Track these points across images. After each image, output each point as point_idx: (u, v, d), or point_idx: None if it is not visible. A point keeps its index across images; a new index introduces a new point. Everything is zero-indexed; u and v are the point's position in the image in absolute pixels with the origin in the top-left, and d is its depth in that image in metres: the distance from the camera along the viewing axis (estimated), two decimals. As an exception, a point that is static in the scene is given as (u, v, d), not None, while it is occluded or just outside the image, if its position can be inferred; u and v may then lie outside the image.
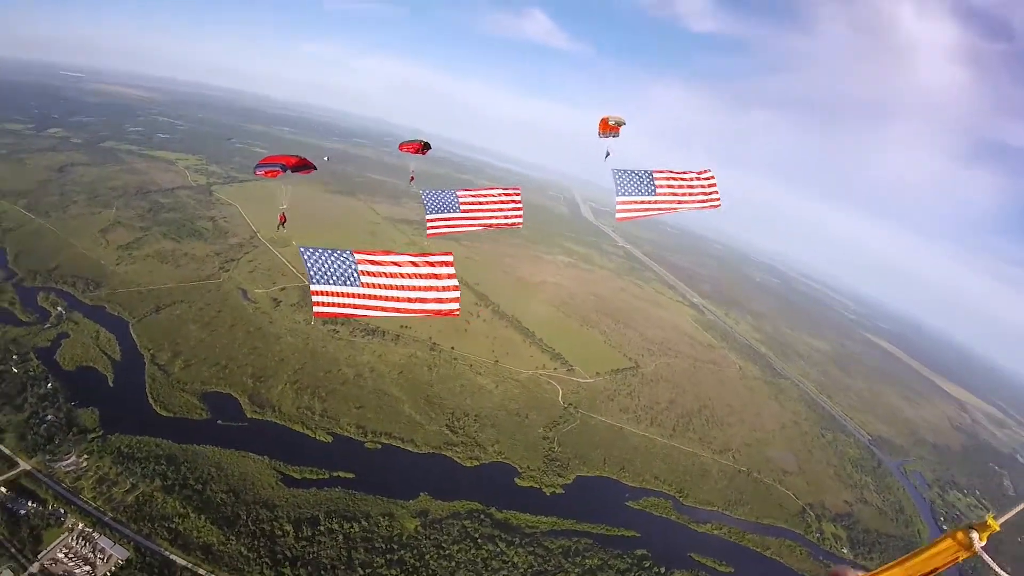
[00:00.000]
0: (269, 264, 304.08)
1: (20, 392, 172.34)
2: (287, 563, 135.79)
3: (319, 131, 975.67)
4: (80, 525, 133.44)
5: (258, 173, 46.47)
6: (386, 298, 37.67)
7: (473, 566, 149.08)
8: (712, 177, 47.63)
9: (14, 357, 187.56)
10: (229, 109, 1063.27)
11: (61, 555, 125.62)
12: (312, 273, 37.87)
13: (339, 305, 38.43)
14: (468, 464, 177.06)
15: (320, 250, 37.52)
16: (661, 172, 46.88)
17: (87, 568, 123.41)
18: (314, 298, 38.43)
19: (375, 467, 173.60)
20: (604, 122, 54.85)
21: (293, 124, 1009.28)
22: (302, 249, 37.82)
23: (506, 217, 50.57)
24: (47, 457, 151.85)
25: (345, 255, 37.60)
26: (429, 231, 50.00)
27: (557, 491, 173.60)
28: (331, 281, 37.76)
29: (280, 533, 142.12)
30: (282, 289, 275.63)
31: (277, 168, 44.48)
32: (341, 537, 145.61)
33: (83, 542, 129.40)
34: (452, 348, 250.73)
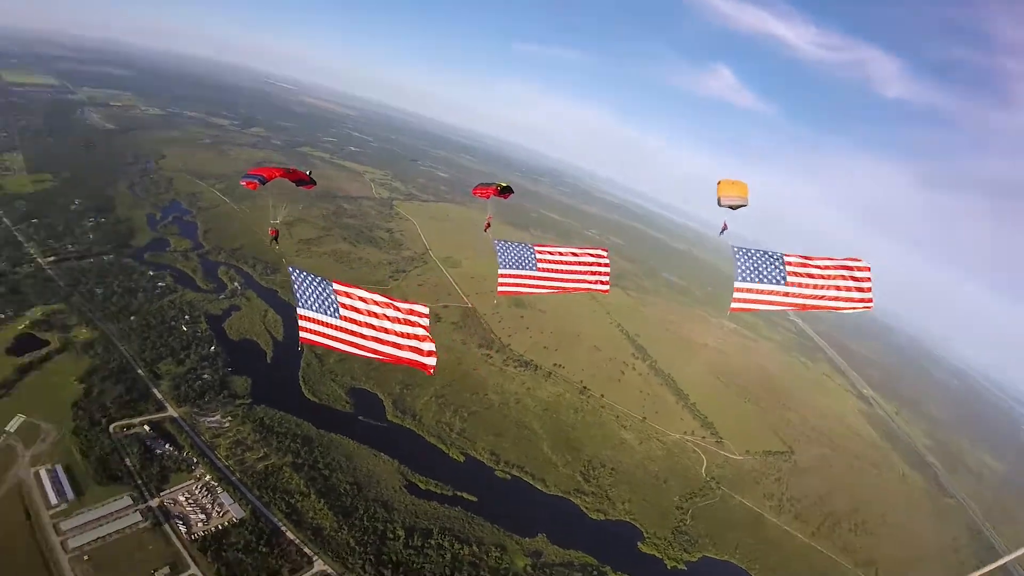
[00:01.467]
0: (436, 281, 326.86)
1: (184, 348, 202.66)
2: (390, 566, 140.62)
3: (500, 163, 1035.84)
4: (207, 477, 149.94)
5: (242, 183, 44.49)
6: (362, 335, 37.81)
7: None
8: (867, 269, 42.20)
9: (186, 317, 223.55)
10: (418, 133, 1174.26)
11: (182, 498, 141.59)
12: (299, 297, 38.70)
13: (321, 335, 38.97)
14: (593, 516, 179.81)
15: (308, 274, 38.39)
16: (794, 258, 42.58)
17: (202, 516, 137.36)
18: (300, 323, 39.15)
19: (500, 496, 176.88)
20: (726, 185, 47.45)
21: (475, 154, 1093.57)
22: (292, 269, 38.74)
23: (589, 282, 49.53)
24: (195, 410, 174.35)
25: (325, 284, 38.36)
26: (500, 287, 50.14)
27: (679, 566, 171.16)
28: (315, 308, 38.51)
29: (391, 536, 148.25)
30: (445, 307, 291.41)
31: (255, 180, 42.79)
32: (449, 556, 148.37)
33: (205, 492, 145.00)
34: (602, 396, 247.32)
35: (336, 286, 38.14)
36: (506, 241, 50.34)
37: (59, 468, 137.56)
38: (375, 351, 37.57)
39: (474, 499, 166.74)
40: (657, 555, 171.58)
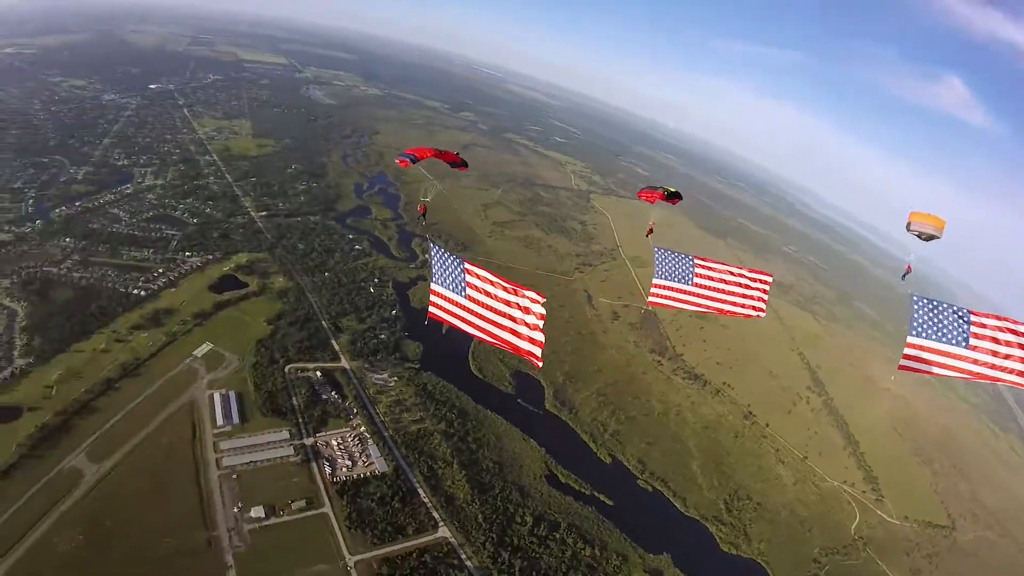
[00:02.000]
0: (621, 279, 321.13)
1: (368, 308, 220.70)
2: (509, 548, 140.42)
3: (703, 167, 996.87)
4: (362, 428, 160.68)
5: (396, 160, 48.77)
6: (482, 316, 38.58)
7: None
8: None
9: (375, 280, 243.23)
10: (622, 128, 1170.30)
11: (334, 442, 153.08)
12: (434, 272, 40.09)
13: (447, 311, 40.37)
14: (725, 548, 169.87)
15: (444, 251, 39.81)
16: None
17: (348, 463, 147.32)
18: (431, 298, 40.55)
19: (636, 505, 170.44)
20: (920, 216, 44.05)
21: (679, 154, 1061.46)
22: (431, 245, 40.69)
23: (744, 306, 46.91)
24: (365, 365, 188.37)
25: (457, 262, 39.31)
26: (652, 298, 49.15)
27: None
28: (445, 285, 39.76)
29: (519, 520, 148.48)
30: (625, 305, 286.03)
31: (407, 158, 45.99)
32: (569, 553, 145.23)
33: (357, 442, 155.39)
34: (767, 425, 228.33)
35: (467, 265, 38.97)
36: (667, 250, 48.88)
37: (232, 394, 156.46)
38: (490, 334, 38.28)
39: (610, 503, 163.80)
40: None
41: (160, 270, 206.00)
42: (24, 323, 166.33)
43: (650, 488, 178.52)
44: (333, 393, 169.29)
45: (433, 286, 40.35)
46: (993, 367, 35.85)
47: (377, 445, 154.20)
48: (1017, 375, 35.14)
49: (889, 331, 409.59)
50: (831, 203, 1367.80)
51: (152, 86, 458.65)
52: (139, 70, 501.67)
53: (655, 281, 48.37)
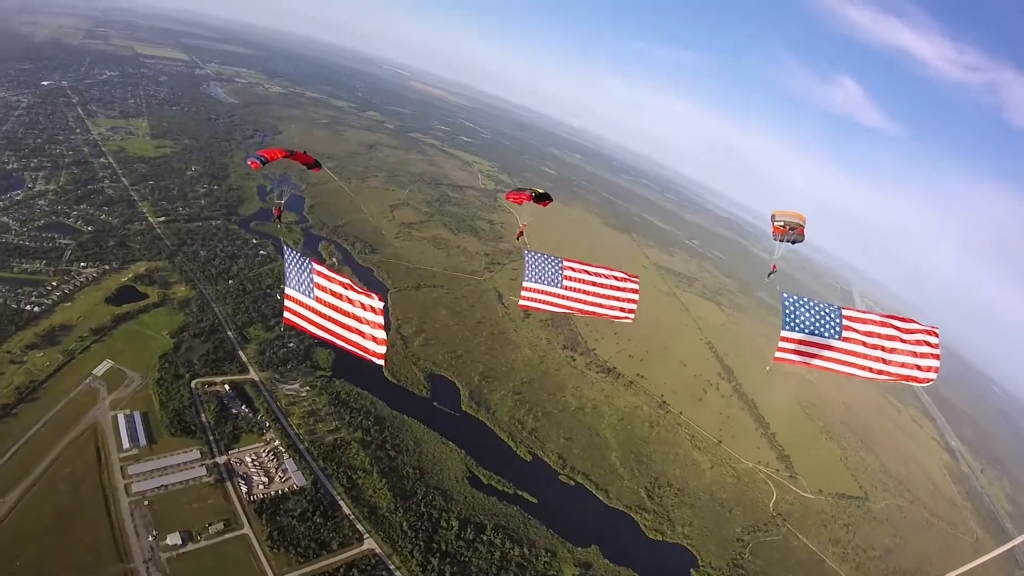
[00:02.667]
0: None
1: (276, 315, 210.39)
2: (438, 555, 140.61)
3: (608, 165, 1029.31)
4: (276, 442, 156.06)
5: (247, 161, 49.59)
6: (327, 317, 39.21)
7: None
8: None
9: (280, 287, 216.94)
10: (529, 127, 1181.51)
11: (248, 459, 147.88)
12: (287, 276, 40.83)
13: (299, 315, 40.86)
14: (651, 535, 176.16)
15: (296, 254, 40.65)
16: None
17: (264, 479, 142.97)
18: (286, 302, 41.18)
19: (560, 501, 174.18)
20: (783, 215, 46.77)
21: (585, 152, 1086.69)
22: (285, 248, 41.49)
23: (613, 308, 47.58)
24: (276, 376, 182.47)
25: (306, 264, 40.23)
26: (523, 301, 49.37)
27: None
28: (296, 288, 40.35)
29: (445, 525, 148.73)
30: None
31: (257, 160, 46.61)
32: (498, 554, 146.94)
33: (272, 457, 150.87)
34: (680, 413, 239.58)
35: (314, 266, 39.57)
36: (536, 252, 48.89)
37: (136, 415, 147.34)
38: (336, 335, 38.88)
39: (534, 500, 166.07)
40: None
41: (54, 283, 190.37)
42: None
43: (572, 482, 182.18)
44: (244, 407, 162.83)
45: (287, 290, 40.46)
46: (866, 357, 38.01)
47: (293, 459, 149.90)
48: (893, 366, 37.39)
49: None
50: (736, 200, 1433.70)
51: (44, 82, 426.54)
52: (31, 65, 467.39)
53: (525, 284, 48.41)
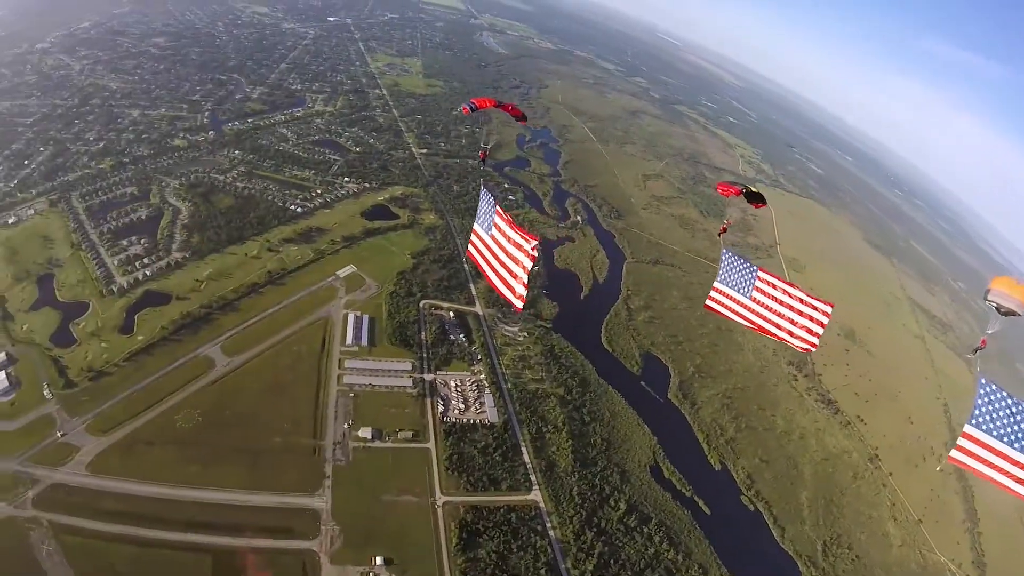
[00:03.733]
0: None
1: None
2: (595, 529, 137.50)
3: (879, 176, 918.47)
4: (482, 375, 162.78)
5: (460, 108, 53.92)
6: (494, 255, 41.50)
7: None
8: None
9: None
10: (801, 119, 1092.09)
11: (453, 383, 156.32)
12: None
13: (478, 250, 43.52)
14: None
15: (735, 257, 44.12)
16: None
17: (461, 405, 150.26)
18: (472, 238, 44.20)
19: (733, 520, 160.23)
20: (1006, 283, 36.53)
21: (858, 156, 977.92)
22: (484, 190, 43.51)
23: (794, 335, 43.40)
24: (499, 315, 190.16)
25: (492, 204, 42.59)
26: (709, 301, 47.60)
27: None
28: (481, 224, 43.02)
29: (612, 504, 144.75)
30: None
31: (467, 107, 47.14)
32: (652, 551, 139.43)
33: (474, 387, 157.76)
34: (890, 474, 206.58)
35: (497, 207, 42.27)
36: (735, 255, 46.73)
37: (365, 317, 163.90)
38: (494, 272, 42.10)
39: (707, 511, 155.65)
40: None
41: (318, 191, 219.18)
42: (186, 221, 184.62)
43: (752, 507, 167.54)
44: (461, 335, 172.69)
45: (475, 225, 43.94)
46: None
47: (493, 395, 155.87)
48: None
49: None
50: (1018, 247, 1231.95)
51: (331, 19, 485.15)
52: (320, 2, 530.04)
53: (716, 285, 46.29)
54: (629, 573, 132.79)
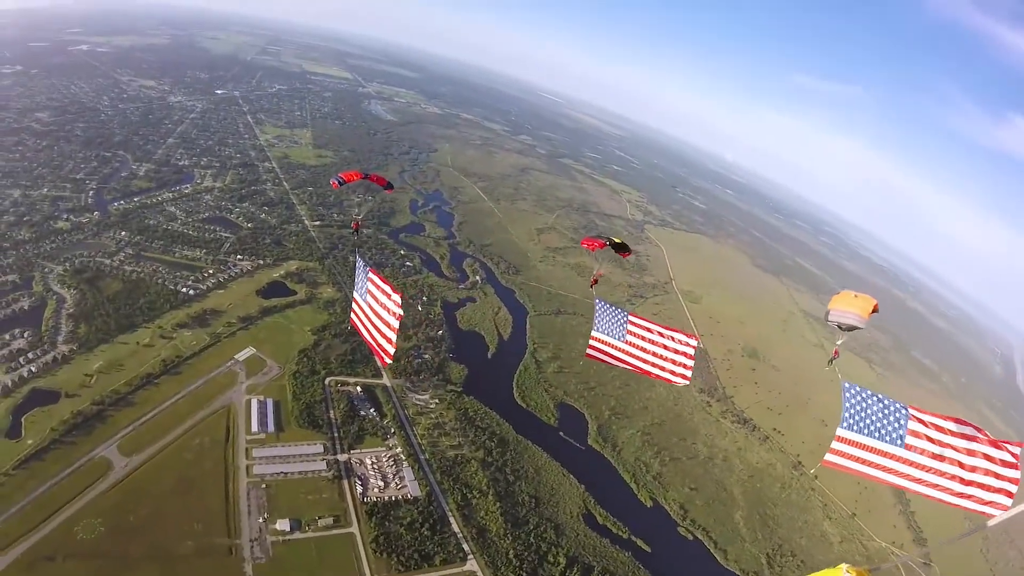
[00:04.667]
0: (673, 312, 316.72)
1: (415, 326, 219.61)
2: None
3: (761, 204, 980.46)
4: (398, 449, 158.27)
5: (331, 182, 56.50)
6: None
7: None
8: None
9: (424, 298, 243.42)
10: (681, 160, 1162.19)
11: (368, 461, 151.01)
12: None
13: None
14: None
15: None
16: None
17: (381, 483, 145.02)
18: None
19: (675, 554, 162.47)
20: (844, 299, 38.56)
21: (737, 188, 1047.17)
22: (359, 260, 44.91)
23: (668, 371, 45.91)
24: (407, 384, 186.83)
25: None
26: (589, 350, 49.39)
27: None
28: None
29: (552, 560, 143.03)
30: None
31: (336, 180, 49.35)
32: None
33: (391, 463, 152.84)
34: (815, 477, 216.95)
35: (370, 273, 43.51)
36: (605, 302, 48.73)
37: (269, 402, 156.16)
38: (367, 331, 43.75)
39: (647, 549, 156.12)
40: None
41: (211, 271, 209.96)
42: (71, 310, 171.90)
43: (690, 536, 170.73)
44: (372, 410, 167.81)
45: (354, 293, 45.23)
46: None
47: (412, 468, 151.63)
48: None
49: (947, 385, 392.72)
50: (893, 247, 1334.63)
51: (219, 91, 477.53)
52: (208, 75, 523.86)
53: (593, 333, 47.92)
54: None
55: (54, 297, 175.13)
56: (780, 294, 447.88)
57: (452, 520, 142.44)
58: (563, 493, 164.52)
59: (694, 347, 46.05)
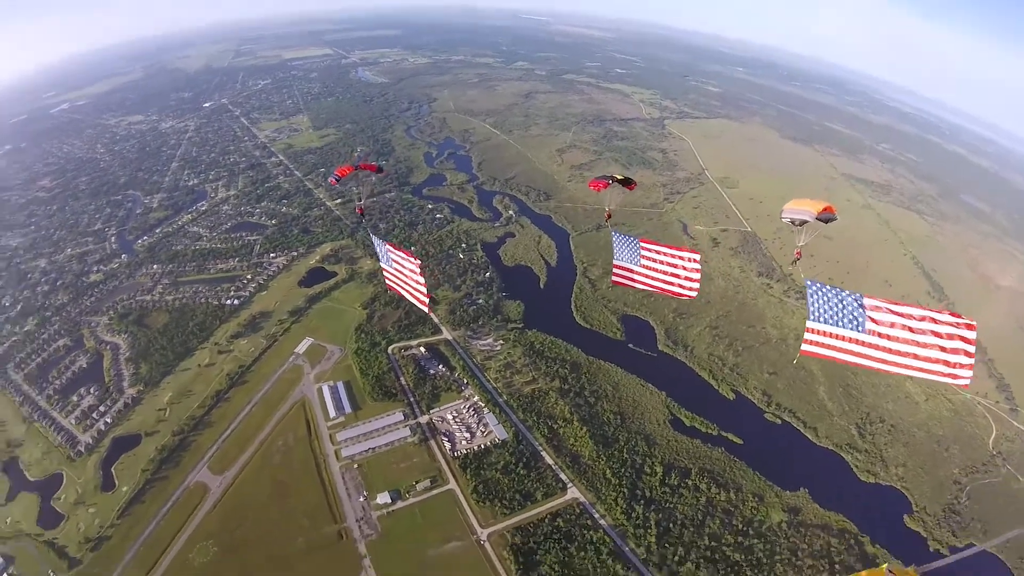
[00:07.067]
0: (714, 203, 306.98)
1: (461, 275, 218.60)
2: (642, 501, 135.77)
3: (777, 74, 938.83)
4: (475, 398, 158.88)
5: (331, 180, 61.95)
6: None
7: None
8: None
9: (463, 246, 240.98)
10: (684, 48, 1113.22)
11: (450, 416, 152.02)
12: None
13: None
14: (863, 477, 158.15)
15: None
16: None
17: (467, 435, 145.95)
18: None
19: (766, 441, 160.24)
20: (796, 204, 44.64)
21: (748, 64, 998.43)
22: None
23: (679, 285, 51.07)
24: (468, 333, 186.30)
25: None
26: (614, 277, 55.52)
27: (942, 550, 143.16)
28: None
29: (648, 471, 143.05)
30: (723, 230, 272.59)
31: (334, 179, 57.87)
32: (704, 499, 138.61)
33: (472, 412, 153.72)
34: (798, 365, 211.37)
35: (388, 246, 56.28)
36: (620, 233, 54.45)
37: (340, 385, 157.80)
38: (404, 289, 57.84)
39: (739, 441, 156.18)
40: (923, 533, 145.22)
41: (248, 276, 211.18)
42: (128, 354, 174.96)
43: (778, 421, 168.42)
44: (440, 366, 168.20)
45: (380, 263, 56.62)
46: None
47: (493, 413, 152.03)
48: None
49: (1003, 224, 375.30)
50: (923, 95, 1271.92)
51: (206, 104, 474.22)
52: (191, 93, 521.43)
53: (614, 262, 54.38)
54: (691, 528, 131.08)
55: (108, 347, 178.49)
56: (817, 162, 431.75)
57: (544, 454, 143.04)
58: (645, 404, 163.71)
59: (698, 261, 50.87)
